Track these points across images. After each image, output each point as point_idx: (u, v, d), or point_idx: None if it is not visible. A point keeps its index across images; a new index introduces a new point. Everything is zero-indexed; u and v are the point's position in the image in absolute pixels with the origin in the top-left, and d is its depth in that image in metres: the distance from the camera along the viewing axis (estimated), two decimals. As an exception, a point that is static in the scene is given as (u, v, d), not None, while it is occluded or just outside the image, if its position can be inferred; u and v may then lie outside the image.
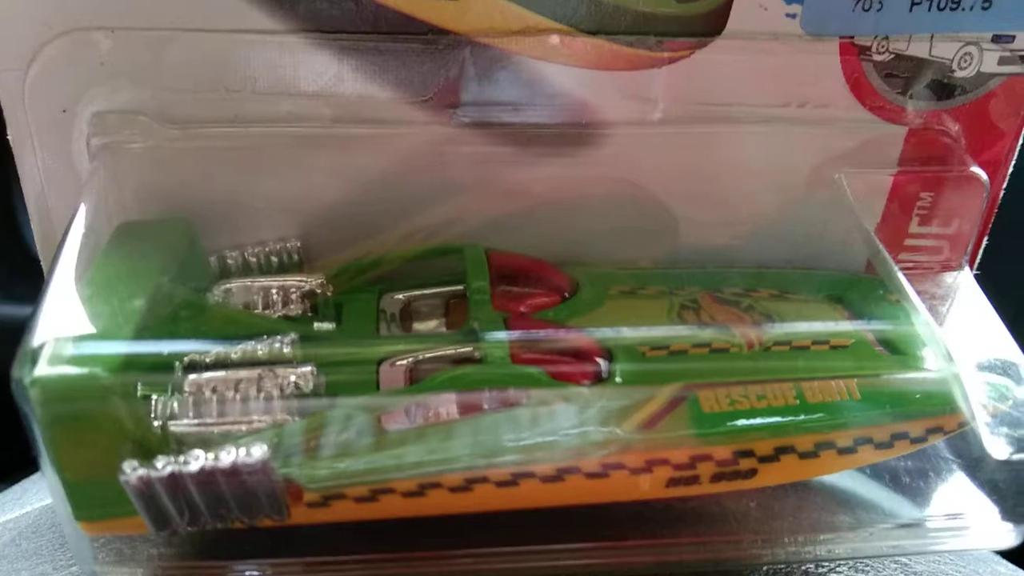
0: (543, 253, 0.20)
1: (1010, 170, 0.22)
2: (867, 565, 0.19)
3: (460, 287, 0.19)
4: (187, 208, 0.20)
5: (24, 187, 0.20)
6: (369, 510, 0.16)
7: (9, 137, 0.19)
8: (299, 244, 0.20)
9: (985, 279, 0.21)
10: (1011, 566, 0.22)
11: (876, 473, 0.18)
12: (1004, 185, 0.22)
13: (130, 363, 0.15)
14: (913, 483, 0.18)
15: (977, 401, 0.16)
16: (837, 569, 0.18)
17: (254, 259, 0.20)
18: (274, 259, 0.20)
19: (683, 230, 0.21)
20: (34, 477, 0.26)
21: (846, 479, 0.18)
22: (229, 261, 0.20)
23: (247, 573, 0.16)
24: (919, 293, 0.20)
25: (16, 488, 0.25)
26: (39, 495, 0.23)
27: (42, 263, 0.20)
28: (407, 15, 0.18)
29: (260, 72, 0.19)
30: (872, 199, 0.21)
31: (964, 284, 0.20)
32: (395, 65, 0.19)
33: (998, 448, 0.16)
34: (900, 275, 0.18)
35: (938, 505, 0.18)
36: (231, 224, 0.20)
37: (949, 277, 0.21)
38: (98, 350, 0.14)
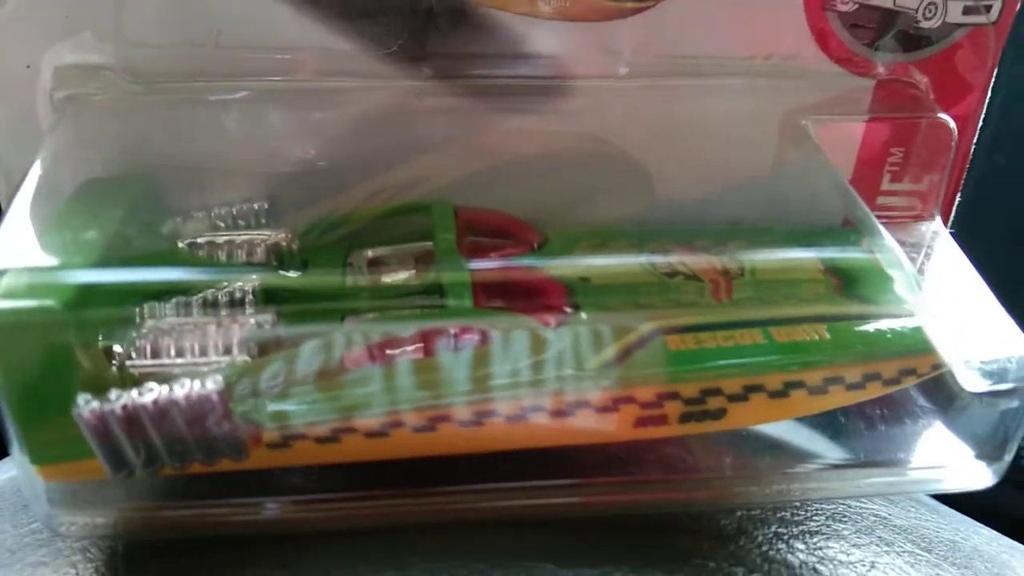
0: (514, 210, 0.20)
1: (979, 125, 0.22)
2: (845, 516, 0.18)
3: (429, 244, 0.19)
4: (151, 165, 0.19)
5: (-12, 149, 0.20)
6: (331, 452, 0.15)
7: (-28, 95, 0.19)
8: (266, 205, 0.20)
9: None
10: (990, 530, 0.22)
11: (850, 417, 0.18)
12: (974, 140, 0.22)
13: (86, 295, 0.14)
14: (888, 426, 0.18)
15: (950, 339, 0.16)
16: (814, 518, 0.18)
17: (221, 221, 0.20)
18: (241, 220, 0.20)
19: (655, 186, 0.21)
20: (6, 459, 0.26)
21: (820, 423, 0.18)
22: (195, 222, 0.20)
23: (210, 513, 0.15)
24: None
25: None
26: (6, 472, 0.23)
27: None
28: (370, -36, 0.18)
29: (225, 25, 0.19)
30: (842, 155, 0.21)
31: (936, 233, 0.20)
32: (359, 16, 0.19)
33: (973, 383, 0.16)
34: (874, 219, 0.18)
35: (914, 447, 0.18)
36: (196, 182, 0.20)
37: (922, 226, 0.21)
38: (51, 279, 0.14)
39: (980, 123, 0.22)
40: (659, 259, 0.18)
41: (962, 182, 0.22)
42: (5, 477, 0.21)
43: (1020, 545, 0.21)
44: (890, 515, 0.19)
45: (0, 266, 0.14)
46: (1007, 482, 0.17)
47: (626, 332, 0.16)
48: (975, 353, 0.16)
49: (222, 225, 0.20)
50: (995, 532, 0.22)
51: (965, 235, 0.21)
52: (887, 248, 0.18)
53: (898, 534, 0.18)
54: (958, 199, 0.22)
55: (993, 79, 0.21)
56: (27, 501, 0.17)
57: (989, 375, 0.16)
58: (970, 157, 0.22)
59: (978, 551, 0.19)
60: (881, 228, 0.18)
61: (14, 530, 0.17)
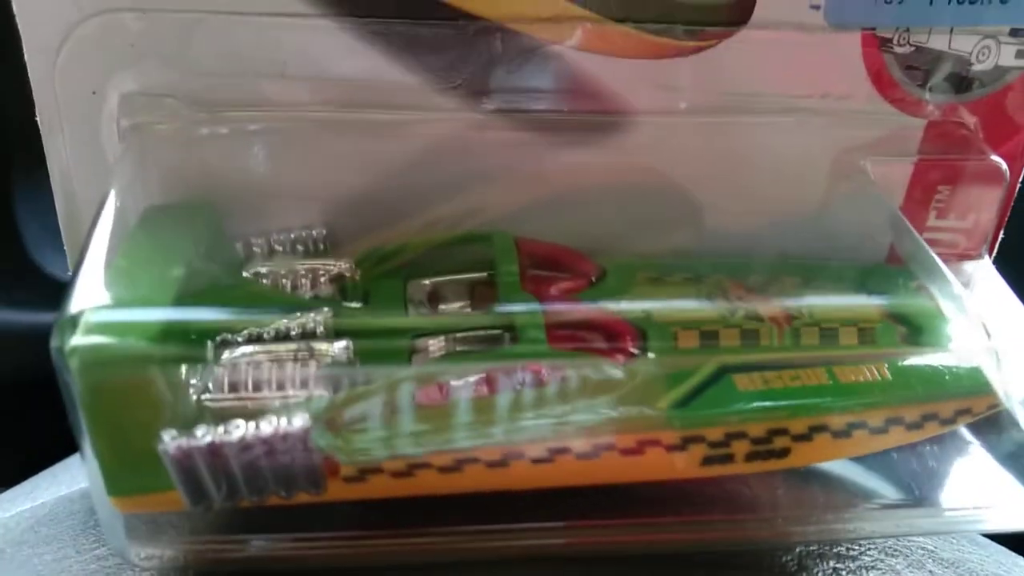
0: (569, 241, 0.20)
1: (1025, 164, 0.22)
2: (896, 551, 0.19)
3: (486, 274, 0.19)
4: (213, 192, 0.20)
5: (50, 169, 0.20)
6: (406, 485, 0.16)
7: (38, 119, 0.19)
8: (324, 231, 0.20)
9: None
10: None
11: (904, 456, 0.18)
12: (1021, 179, 0.22)
13: (168, 332, 0.14)
14: (941, 465, 0.18)
15: (1010, 379, 0.16)
16: (867, 552, 0.18)
17: (280, 246, 0.20)
18: (299, 246, 0.20)
19: (708, 218, 0.21)
20: (44, 473, 0.26)
21: (874, 462, 0.18)
22: (255, 248, 0.20)
23: (274, 547, 0.16)
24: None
25: (27, 484, 0.25)
26: (50, 490, 0.23)
27: (65, 247, 0.20)
28: (441, 1, 0.18)
29: (290, 56, 0.19)
30: (891, 192, 0.21)
31: (983, 272, 0.21)
32: (425, 51, 0.19)
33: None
34: (930, 251, 0.18)
35: (967, 488, 0.18)
36: (257, 209, 0.20)
37: (968, 266, 0.21)
38: (136, 318, 0.14)
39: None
40: (720, 300, 0.18)
41: (1006, 219, 0.22)
42: (53, 498, 0.21)
43: None
44: (936, 548, 0.20)
45: (85, 303, 0.14)
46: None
47: (694, 372, 0.16)
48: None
49: (280, 250, 0.20)
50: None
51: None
52: (946, 284, 0.18)
53: (947, 568, 0.19)
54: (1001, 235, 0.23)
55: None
56: (94, 527, 0.17)
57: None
58: (1014, 196, 0.22)
59: (1023, 585, 0.19)
60: (938, 261, 0.18)
61: (78, 556, 0.18)
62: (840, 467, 0.18)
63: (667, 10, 0.19)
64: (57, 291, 0.15)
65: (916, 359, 0.17)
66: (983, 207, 0.21)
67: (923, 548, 0.19)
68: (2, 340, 0.41)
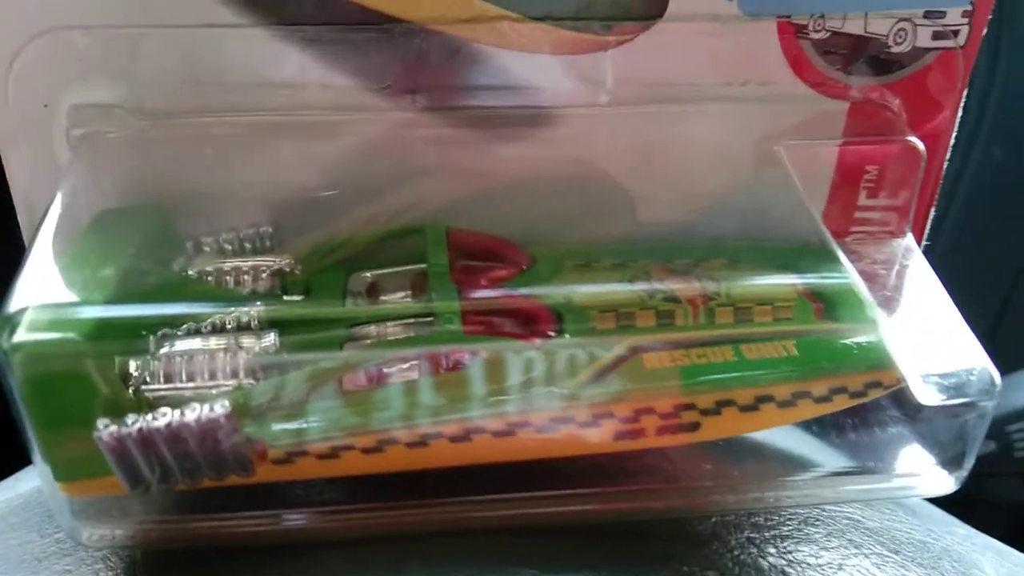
0: (505, 232, 0.21)
1: (951, 141, 0.22)
2: (818, 520, 0.20)
3: (424, 265, 0.20)
4: (162, 195, 0.21)
5: (11, 181, 0.21)
6: (331, 467, 0.17)
7: (-7, 133, 0.20)
8: (270, 229, 0.21)
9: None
10: (969, 528, 0.23)
11: (820, 427, 0.19)
12: (947, 156, 0.23)
13: (103, 328, 0.16)
14: (858, 436, 0.19)
15: (907, 353, 0.17)
16: (787, 523, 0.19)
17: (228, 245, 0.21)
18: (247, 244, 0.21)
19: (638, 207, 0.22)
20: (29, 468, 0.27)
21: (789, 434, 0.19)
22: (204, 247, 0.21)
23: (226, 525, 0.17)
24: (864, 259, 0.21)
25: (11, 478, 0.26)
26: (30, 482, 0.24)
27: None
28: (363, 6, 0.19)
29: (229, 65, 0.20)
30: (819, 174, 0.22)
31: (908, 249, 0.21)
32: (354, 55, 0.20)
33: (930, 396, 0.17)
34: (830, 241, 0.19)
35: (882, 456, 0.19)
36: (205, 211, 0.21)
37: (895, 242, 0.22)
38: (72, 315, 0.15)
39: (952, 140, 0.22)
40: (640, 283, 0.19)
41: (935, 197, 0.23)
42: (30, 488, 0.23)
43: (994, 542, 0.22)
44: (863, 518, 0.20)
45: (26, 302, 0.15)
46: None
47: (604, 353, 0.17)
48: (933, 367, 0.17)
49: (229, 249, 0.21)
50: (973, 531, 0.23)
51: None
52: (844, 268, 0.19)
53: (868, 536, 0.19)
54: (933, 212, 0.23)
55: (963, 99, 0.22)
56: (51, 513, 0.19)
57: (946, 389, 0.17)
58: (943, 173, 0.23)
59: (948, 551, 0.20)
60: (838, 250, 0.19)
61: (41, 540, 0.19)
62: (763, 438, 0.19)
63: (584, 8, 0.20)
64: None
65: (822, 334, 0.18)
66: (909, 186, 0.22)
67: (849, 518, 0.20)
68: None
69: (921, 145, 0.21)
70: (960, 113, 0.22)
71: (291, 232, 0.22)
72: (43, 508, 0.21)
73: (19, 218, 0.21)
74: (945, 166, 0.23)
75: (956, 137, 0.64)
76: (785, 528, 0.19)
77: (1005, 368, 0.53)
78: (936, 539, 0.21)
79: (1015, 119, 0.58)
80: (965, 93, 0.22)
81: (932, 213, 0.23)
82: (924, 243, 0.23)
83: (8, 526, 0.20)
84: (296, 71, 0.20)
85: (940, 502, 0.24)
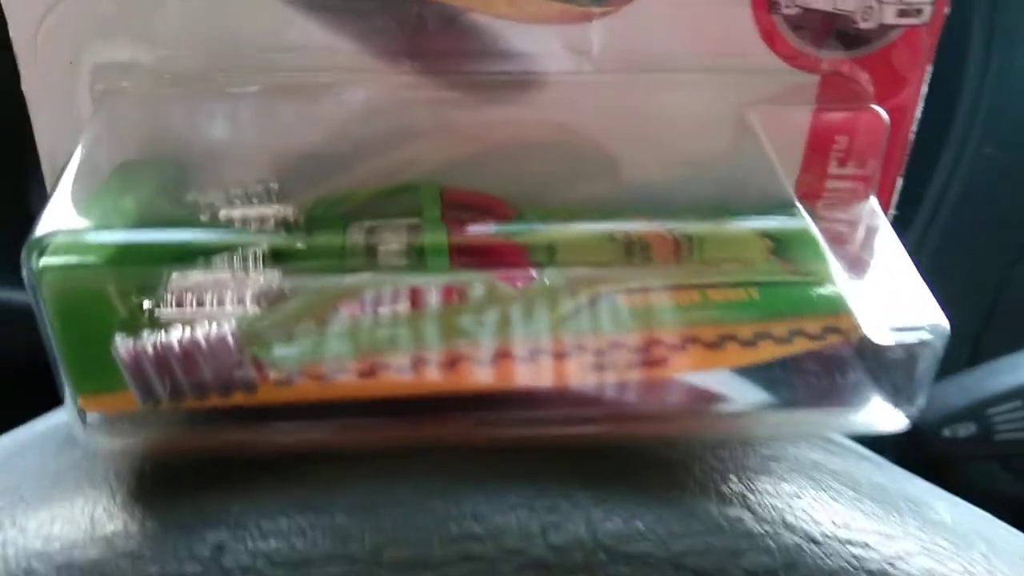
0: (492, 190, 0.23)
1: (918, 114, 0.24)
2: (782, 458, 0.21)
3: (417, 219, 0.22)
4: (178, 150, 0.22)
5: (37, 136, 0.23)
6: (327, 389, 0.18)
7: (23, 88, 0.22)
8: (276, 185, 0.23)
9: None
10: (930, 484, 0.24)
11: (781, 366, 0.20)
12: (914, 128, 0.24)
13: (122, 253, 0.17)
14: (815, 375, 0.20)
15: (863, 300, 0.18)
16: (751, 458, 0.20)
17: (237, 199, 0.23)
18: (254, 198, 0.23)
19: (622, 170, 0.23)
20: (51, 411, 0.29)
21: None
22: (214, 197, 0.23)
23: (227, 438, 0.18)
24: (830, 220, 0.22)
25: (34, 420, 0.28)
26: (53, 419, 0.26)
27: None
28: (366, -26, 0.21)
29: (241, 29, 0.22)
30: (792, 141, 0.23)
31: (871, 211, 0.23)
32: (356, 20, 0.21)
33: (881, 335, 0.18)
34: (795, 202, 0.20)
35: (837, 394, 0.20)
36: (216, 166, 0.23)
37: (860, 206, 0.23)
38: (94, 240, 0.17)
39: (919, 113, 0.24)
40: (616, 229, 0.21)
41: (903, 167, 0.24)
42: (54, 422, 0.24)
43: (952, 497, 0.24)
44: (826, 461, 0.22)
45: (51, 229, 0.17)
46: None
47: (580, 291, 0.19)
48: (886, 312, 0.18)
49: (238, 202, 0.23)
50: (932, 485, 0.24)
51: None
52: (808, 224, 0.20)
53: (828, 475, 0.21)
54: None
55: (929, 74, 0.23)
56: (73, 438, 0.20)
57: (897, 330, 0.18)
58: (910, 144, 0.24)
59: (904, 493, 0.21)
60: (802, 210, 0.21)
61: (56, 462, 0.20)
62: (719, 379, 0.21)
63: (570, -21, 0.21)
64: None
65: (783, 282, 0.19)
66: (875, 155, 0.23)
67: (812, 460, 0.21)
68: (18, 321, 0.45)
69: (885, 114, 0.22)
70: (925, 88, 0.23)
71: (296, 187, 0.23)
72: (63, 434, 0.22)
73: (43, 171, 0.23)
74: (911, 138, 0.24)
75: (950, 134, 0.66)
76: (749, 462, 0.20)
77: (994, 355, 0.54)
78: (894, 483, 0.22)
79: (1008, 117, 0.59)
80: (930, 69, 0.23)
81: (899, 183, 0.25)
82: (893, 212, 0.25)
83: (28, 449, 0.21)
84: (302, 35, 0.22)
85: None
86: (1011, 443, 0.41)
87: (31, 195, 0.50)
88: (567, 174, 0.23)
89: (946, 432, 0.42)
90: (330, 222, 0.22)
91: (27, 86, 0.22)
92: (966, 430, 0.41)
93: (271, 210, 0.22)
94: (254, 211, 0.22)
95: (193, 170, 0.22)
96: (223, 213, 0.21)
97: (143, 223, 0.19)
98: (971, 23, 0.55)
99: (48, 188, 0.23)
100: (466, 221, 0.22)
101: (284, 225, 0.22)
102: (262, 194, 0.23)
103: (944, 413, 0.42)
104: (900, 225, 0.23)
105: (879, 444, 0.26)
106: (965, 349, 0.54)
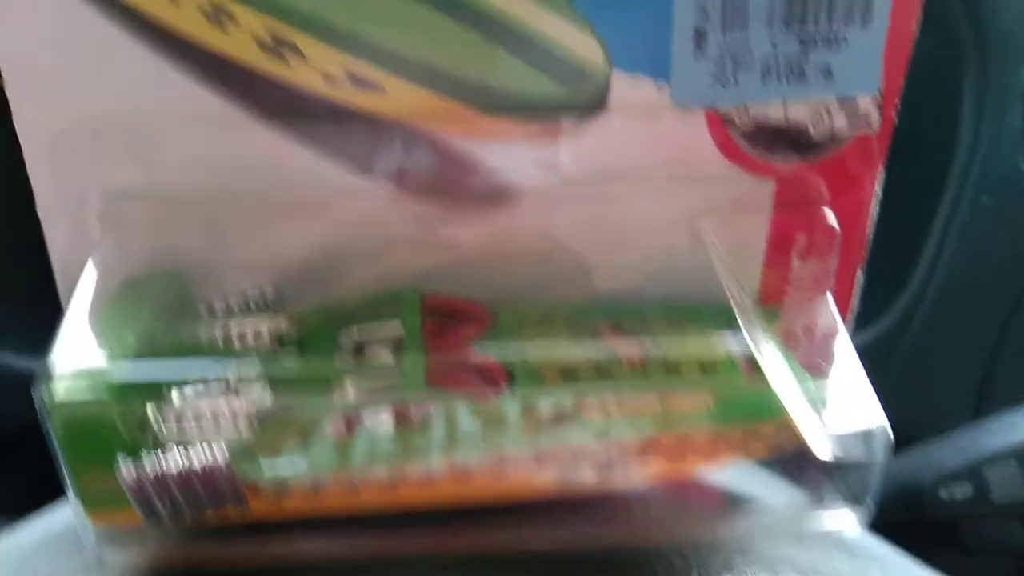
0: (471, 296, 0.24)
1: (874, 210, 0.25)
2: (747, 552, 0.22)
3: (400, 326, 0.23)
4: (180, 264, 0.24)
5: (51, 252, 0.24)
6: (313, 502, 0.20)
7: (38, 210, 0.24)
8: (272, 291, 0.25)
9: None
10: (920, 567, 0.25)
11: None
12: (869, 225, 0.25)
13: (126, 386, 0.19)
14: (779, 476, 0.21)
15: (804, 410, 0.20)
16: (715, 554, 0.22)
17: (235, 305, 0.25)
18: (251, 304, 0.25)
19: (591, 273, 0.25)
20: (59, 502, 0.30)
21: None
22: (215, 306, 0.24)
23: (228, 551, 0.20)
24: (786, 320, 0.24)
25: (43, 513, 0.29)
26: (62, 515, 0.27)
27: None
28: (348, 106, 0.23)
29: (235, 154, 0.23)
30: (753, 242, 0.25)
31: (826, 310, 0.24)
32: (343, 145, 0.23)
33: (822, 449, 0.20)
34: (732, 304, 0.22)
35: (798, 494, 0.21)
36: (216, 276, 0.24)
37: (815, 304, 0.24)
38: (100, 375, 0.19)
39: (874, 211, 0.25)
40: (588, 342, 0.22)
41: (862, 262, 0.26)
42: (60, 521, 0.26)
43: None
44: (795, 554, 0.23)
45: (64, 363, 0.19)
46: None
47: (550, 405, 0.20)
48: (832, 424, 0.20)
49: (236, 308, 0.25)
50: (909, 564, 0.25)
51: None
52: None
53: (790, 569, 0.22)
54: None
55: (881, 175, 0.25)
56: (81, 542, 0.22)
57: (842, 445, 0.19)
58: (868, 241, 0.26)
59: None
60: (761, 312, 0.22)
61: (68, 564, 0.22)
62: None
63: (536, 104, 0.23)
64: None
65: (738, 391, 0.21)
66: (828, 252, 0.25)
67: (781, 554, 0.23)
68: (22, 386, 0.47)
69: (835, 223, 0.24)
70: (879, 188, 0.25)
71: (290, 294, 0.25)
72: (72, 538, 0.24)
73: (58, 288, 0.25)
74: (869, 230, 0.25)
75: (945, 186, 0.67)
76: (712, 559, 0.21)
77: (995, 412, 0.55)
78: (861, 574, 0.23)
79: (1004, 165, 0.60)
80: (882, 171, 0.25)
81: (860, 277, 0.26)
82: (855, 311, 0.26)
83: (40, 552, 0.23)
84: (292, 157, 0.23)
85: (912, 546, 0.26)
86: (1008, 505, 0.42)
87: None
88: (540, 278, 0.25)
89: (943, 493, 0.42)
90: (321, 331, 0.24)
91: (41, 208, 0.24)
92: (963, 491, 0.42)
93: (265, 323, 0.23)
94: (250, 324, 0.23)
95: (194, 281, 0.24)
96: (220, 325, 0.23)
97: (146, 347, 0.20)
98: (962, 79, 0.56)
99: (62, 302, 0.25)
100: (447, 329, 0.23)
101: (278, 338, 0.23)
102: (258, 299, 0.25)
103: (940, 473, 0.42)
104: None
105: (878, 507, 0.27)
106: (969, 399, 0.55)
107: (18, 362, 0.49)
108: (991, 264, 0.61)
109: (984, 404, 0.57)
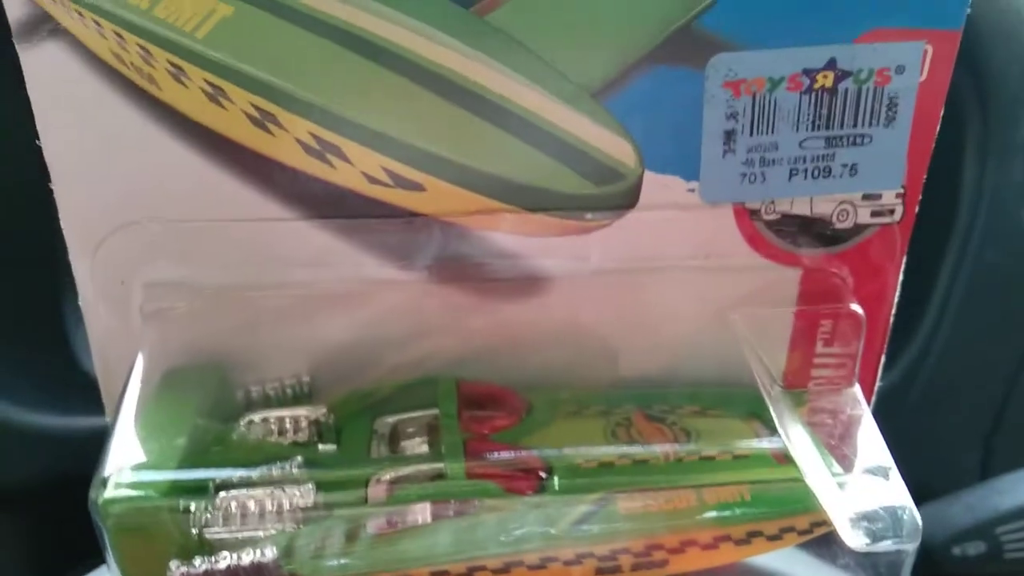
0: (504, 381, 0.25)
1: (896, 298, 0.26)
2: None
3: (435, 412, 0.24)
4: (220, 354, 0.25)
5: (91, 343, 0.25)
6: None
7: (80, 303, 0.24)
8: (309, 379, 0.25)
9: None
10: None
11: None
12: (892, 312, 0.26)
13: (174, 487, 0.19)
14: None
15: (834, 499, 0.20)
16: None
17: (272, 392, 0.25)
18: (288, 391, 0.25)
19: (620, 359, 0.25)
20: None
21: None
22: (253, 394, 0.25)
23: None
24: (814, 408, 0.24)
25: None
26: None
27: (104, 401, 0.25)
28: (388, 203, 0.23)
29: (278, 248, 0.24)
30: (779, 330, 0.26)
31: (854, 399, 0.24)
32: (382, 239, 0.24)
33: (856, 540, 0.20)
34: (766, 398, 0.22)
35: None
36: (255, 365, 0.25)
37: (844, 393, 0.25)
38: (150, 478, 0.19)
39: (896, 299, 0.26)
40: (622, 430, 0.23)
41: (885, 345, 0.26)
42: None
43: None
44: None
45: (115, 466, 0.19)
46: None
47: (585, 499, 0.21)
48: (861, 514, 0.20)
49: (273, 396, 0.25)
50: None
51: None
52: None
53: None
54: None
55: (903, 264, 0.25)
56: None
57: (872, 534, 0.20)
58: (889, 328, 0.26)
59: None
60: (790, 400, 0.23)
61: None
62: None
63: (569, 202, 0.23)
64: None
65: (773, 482, 0.21)
66: (857, 339, 0.25)
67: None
68: (55, 444, 0.47)
69: (860, 311, 0.24)
70: (901, 277, 0.26)
71: (327, 381, 0.25)
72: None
73: (96, 373, 0.25)
74: (891, 321, 0.26)
75: (949, 240, 0.68)
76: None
77: (1002, 466, 0.55)
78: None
79: (1006, 220, 0.61)
80: (904, 260, 0.25)
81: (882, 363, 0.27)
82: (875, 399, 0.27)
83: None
84: (333, 253, 0.24)
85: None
86: (1020, 561, 0.42)
87: (66, 322, 0.53)
88: (572, 364, 0.25)
89: (956, 551, 0.42)
90: (358, 417, 0.24)
91: (83, 300, 0.24)
92: (976, 549, 0.42)
93: (304, 411, 0.24)
94: (289, 413, 0.24)
95: (234, 370, 0.25)
96: (260, 417, 0.23)
97: (192, 443, 0.21)
98: (965, 134, 0.57)
99: (100, 385, 0.25)
100: (482, 419, 0.24)
101: (316, 425, 0.24)
102: (296, 387, 0.25)
103: (953, 532, 0.43)
104: (904, 333, 0.24)
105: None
106: (976, 453, 0.55)
107: (19, 415, 0.49)
108: (996, 318, 0.62)
109: (991, 458, 0.57)
